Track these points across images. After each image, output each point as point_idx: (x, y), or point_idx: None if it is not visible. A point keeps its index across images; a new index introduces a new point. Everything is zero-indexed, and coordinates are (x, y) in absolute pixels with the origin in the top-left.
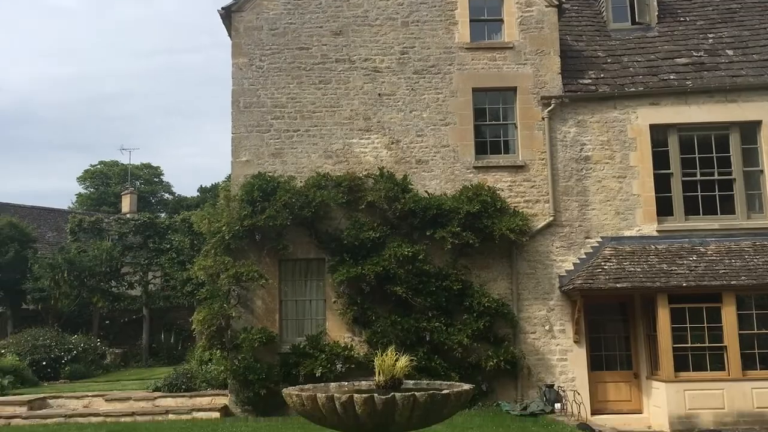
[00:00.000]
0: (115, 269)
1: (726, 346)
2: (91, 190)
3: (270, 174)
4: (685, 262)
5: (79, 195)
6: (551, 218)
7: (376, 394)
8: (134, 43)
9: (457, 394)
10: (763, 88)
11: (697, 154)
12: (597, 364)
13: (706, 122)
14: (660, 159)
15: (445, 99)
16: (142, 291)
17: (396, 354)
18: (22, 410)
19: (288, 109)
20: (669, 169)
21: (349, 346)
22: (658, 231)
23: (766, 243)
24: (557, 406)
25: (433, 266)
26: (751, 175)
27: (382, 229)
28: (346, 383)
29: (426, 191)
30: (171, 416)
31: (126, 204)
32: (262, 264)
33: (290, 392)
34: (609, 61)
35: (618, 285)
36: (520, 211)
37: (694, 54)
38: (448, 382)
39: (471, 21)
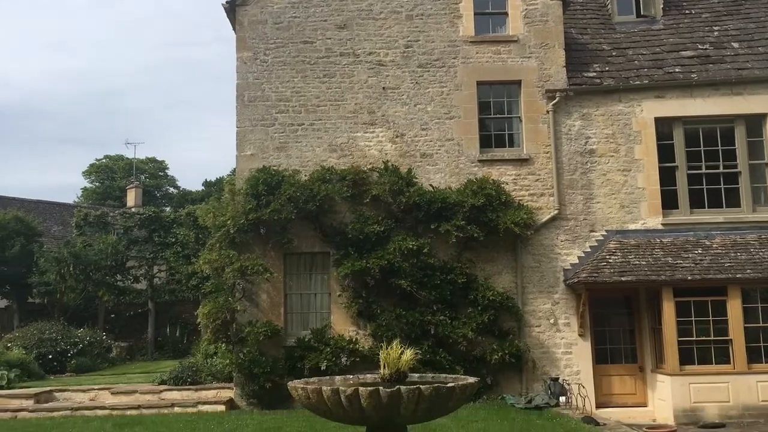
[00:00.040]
0: (121, 263)
1: (731, 340)
2: (97, 184)
3: (275, 168)
4: (690, 255)
5: (85, 189)
6: (556, 212)
7: (381, 388)
8: (140, 38)
9: (462, 387)
10: None
11: (702, 147)
12: (602, 357)
13: (711, 115)
14: (665, 152)
15: (449, 92)
16: (147, 285)
17: (401, 347)
18: (29, 403)
19: (292, 102)
20: (674, 162)
21: (353, 339)
22: (663, 224)
23: None
24: (562, 399)
25: (438, 260)
26: (756, 168)
27: (387, 222)
28: (351, 376)
29: (430, 185)
30: (177, 409)
31: (131, 198)
32: (267, 258)
33: (295, 385)
34: (614, 54)
35: (623, 278)
36: (525, 204)
37: (700, 47)
38: (453, 376)
39: (475, 14)
